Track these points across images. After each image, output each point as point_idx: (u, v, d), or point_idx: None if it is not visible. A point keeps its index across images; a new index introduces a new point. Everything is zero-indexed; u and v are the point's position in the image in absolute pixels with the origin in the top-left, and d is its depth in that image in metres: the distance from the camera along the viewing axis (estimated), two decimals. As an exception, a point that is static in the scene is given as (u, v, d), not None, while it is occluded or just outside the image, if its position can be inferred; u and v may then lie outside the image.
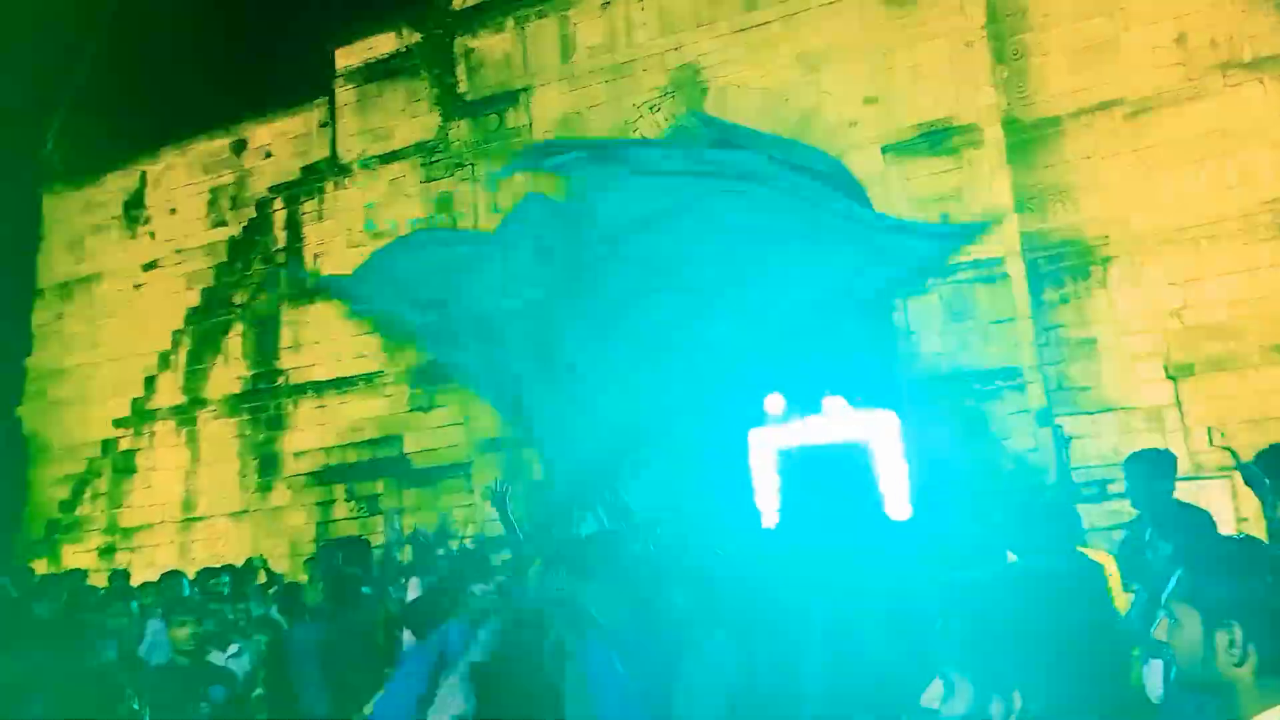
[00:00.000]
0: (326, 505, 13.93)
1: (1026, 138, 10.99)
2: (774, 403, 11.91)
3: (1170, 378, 10.09)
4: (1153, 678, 3.39)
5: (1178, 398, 10.03)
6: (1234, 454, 4.79)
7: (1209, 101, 10.32)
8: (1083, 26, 10.95)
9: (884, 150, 11.32)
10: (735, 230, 4.37)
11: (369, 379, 14.14)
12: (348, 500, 13.84)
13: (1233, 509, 8.91)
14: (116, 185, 17.37)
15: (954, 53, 11.17)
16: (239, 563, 10.13)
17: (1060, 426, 10.35)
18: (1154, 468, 5.08)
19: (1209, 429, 9.82)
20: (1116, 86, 10.70)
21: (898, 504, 10.55)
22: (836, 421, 11.52)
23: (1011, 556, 4.41)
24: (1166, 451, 5.44)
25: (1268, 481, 4.32)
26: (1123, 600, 4.34)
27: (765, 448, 11.89)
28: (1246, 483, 4.78)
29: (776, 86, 12.07)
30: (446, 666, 2.71)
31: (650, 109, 12.77)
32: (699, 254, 4.36)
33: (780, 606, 5.36)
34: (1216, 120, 10.25)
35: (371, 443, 13.97)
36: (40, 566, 14.26)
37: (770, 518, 8.87)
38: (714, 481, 10.62)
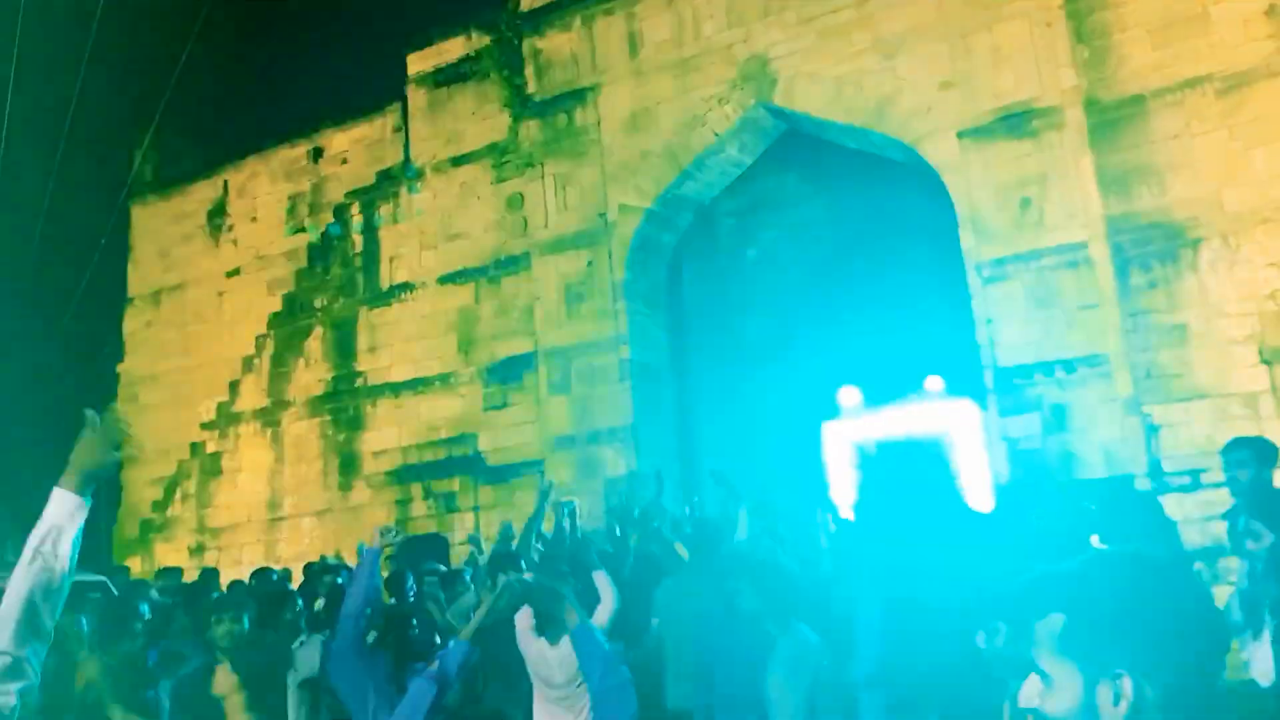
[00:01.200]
0: (404, 503, 14.16)
1: (1110, 118, 10.63)
2: (848, 395, 11.74)
3: (1265, 362, 9.66)
4: (1260, 663, 3.23)
5: (1274, 383, 9.60)
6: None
7: (1305, 74, 9.86)
8: (1166, 1, 10.54)
9: (961, 136, 11.06)
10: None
11: (444, 379, 14.33)
12: (425, 498, 14.05)
13: (1338, 500, 8.47)
14: (201, 195, 17.87)
15: (1033, 33, 10.85)
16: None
17: (1149, 415, 9.99)
18: (1254, 455, 4.87)
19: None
20: (1204, 62, 10.27)
21: (980, 496, 10.30)
22: (914, 412, 11.32)
23: (1097, 543, 4.25)
24: (1266, 439, 5.21)
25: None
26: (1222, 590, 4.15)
27: (839, 440, 11.73)
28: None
29: (849, 74, 11.88)
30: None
31: (719, 102, 12.68)
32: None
33: (858, 601, 5.26)
34: (1314, 93, 9.79)
35: (447, 441, 14.15)
36: (135, 565, 14.78)
37: (846, 511, 8.73)
38: (787, 476, 10.51)
